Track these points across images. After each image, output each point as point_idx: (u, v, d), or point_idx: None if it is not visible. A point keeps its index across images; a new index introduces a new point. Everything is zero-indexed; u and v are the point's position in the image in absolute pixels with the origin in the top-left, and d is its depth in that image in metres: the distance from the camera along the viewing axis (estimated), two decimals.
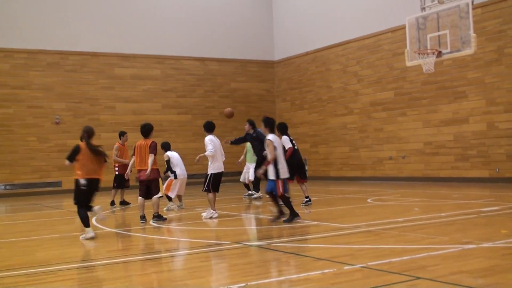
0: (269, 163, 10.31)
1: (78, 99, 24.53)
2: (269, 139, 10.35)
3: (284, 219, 10.43)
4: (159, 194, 11.63)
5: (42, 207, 17.25)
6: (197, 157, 12.47)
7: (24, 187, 23.17)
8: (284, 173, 10.40)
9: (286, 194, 10.50)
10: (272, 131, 10.66)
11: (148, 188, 11.47)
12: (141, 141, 11.55)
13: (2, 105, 23.12)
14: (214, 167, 11.81)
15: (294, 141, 13.31)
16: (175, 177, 13.98)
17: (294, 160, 13.00)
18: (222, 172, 11.99)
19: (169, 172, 14.18)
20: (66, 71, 24.39)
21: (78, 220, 9.74)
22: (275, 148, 10.28)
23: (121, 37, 25.44)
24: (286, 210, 10.54)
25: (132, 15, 25.77)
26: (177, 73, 26.82)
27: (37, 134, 23.15)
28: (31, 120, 23.56)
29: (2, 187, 22.73)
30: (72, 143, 23.42)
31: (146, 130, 11.57)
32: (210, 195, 11.86)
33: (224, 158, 12.21)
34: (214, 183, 11.82)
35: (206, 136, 12.00)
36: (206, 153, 11.84)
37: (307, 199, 13.61)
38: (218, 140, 12.10)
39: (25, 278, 6.63)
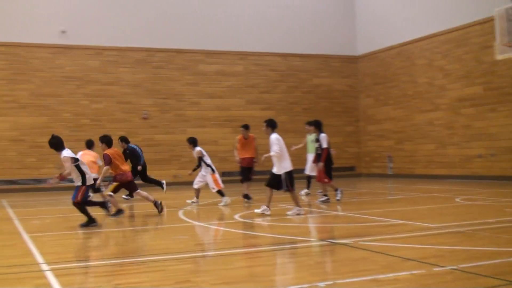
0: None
1: (165, 95, 25.20)
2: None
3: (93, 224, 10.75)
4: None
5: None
6: (263, 157, 12.29)
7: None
8: (89, 180, 10.87)
9: (83, 201, 10.78)
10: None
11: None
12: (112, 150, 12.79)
13: (94, 100, 24.10)
14: (285, 166, 11.74)
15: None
16: (213, 171, 14.64)
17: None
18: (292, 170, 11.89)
19: (204, 167, 14.65)
20: (153, 67, 25.11)
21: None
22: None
23: (205, 34, 25.86)
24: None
25: (215, 13, 26.15)
26: (260, 69, 27.00)
27: (126, 129, 23.82)
28: (120, 115, 24.42)
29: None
30: (160, 138, 24.62)
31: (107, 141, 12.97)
32: (293, 193, 11.86)
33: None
34: (290, 181, 11.77)
35: (271, 134, 11.86)
36: (271, 153, 11.71)
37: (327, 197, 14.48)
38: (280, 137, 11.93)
39: (118, 267, 6.92)
